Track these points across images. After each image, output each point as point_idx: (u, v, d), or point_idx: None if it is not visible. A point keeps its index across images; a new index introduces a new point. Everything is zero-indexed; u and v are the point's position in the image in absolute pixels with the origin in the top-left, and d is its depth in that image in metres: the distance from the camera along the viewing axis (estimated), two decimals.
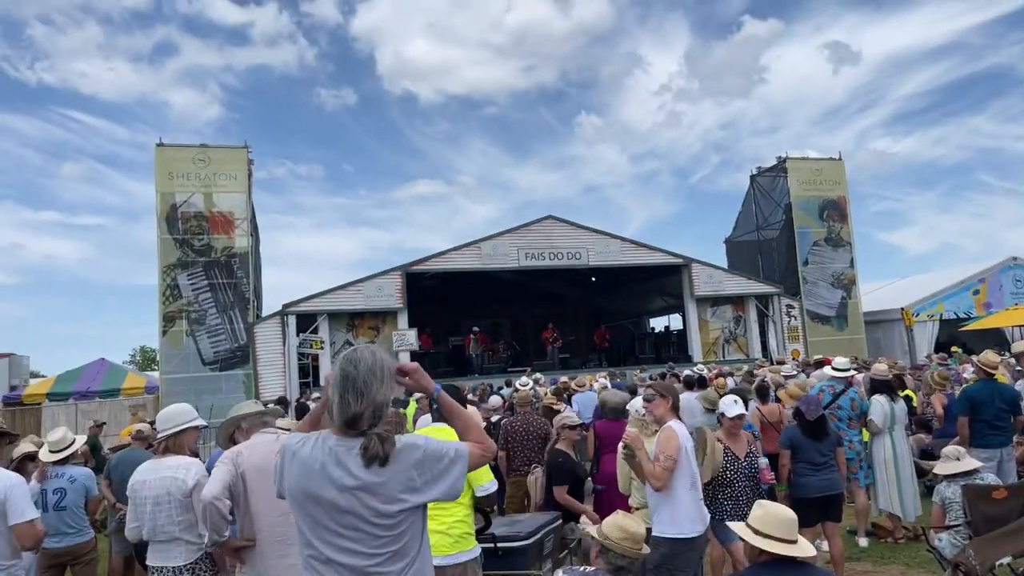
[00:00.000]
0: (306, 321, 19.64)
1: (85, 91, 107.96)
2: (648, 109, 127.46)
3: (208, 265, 19.25)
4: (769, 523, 2.97)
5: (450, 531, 3.95)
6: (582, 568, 3.24)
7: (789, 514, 3.01)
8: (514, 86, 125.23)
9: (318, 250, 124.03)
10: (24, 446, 6.00)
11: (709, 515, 4.31)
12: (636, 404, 5.20)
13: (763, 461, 4.09)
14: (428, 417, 4.81)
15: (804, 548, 2.90)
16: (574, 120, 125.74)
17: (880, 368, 7.59)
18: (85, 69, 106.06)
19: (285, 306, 19.66)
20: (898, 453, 7.01)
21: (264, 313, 20.39)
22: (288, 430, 3.88)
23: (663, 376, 14.39)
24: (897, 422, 7.11)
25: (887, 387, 7.22)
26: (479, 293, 24.93)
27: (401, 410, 6.87)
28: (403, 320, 20.29)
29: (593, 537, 3.18)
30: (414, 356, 20.20)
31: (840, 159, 25.00)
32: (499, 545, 4.36)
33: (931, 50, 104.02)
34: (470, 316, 24.41)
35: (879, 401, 7.10)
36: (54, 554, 5.07)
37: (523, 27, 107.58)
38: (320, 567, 2.10)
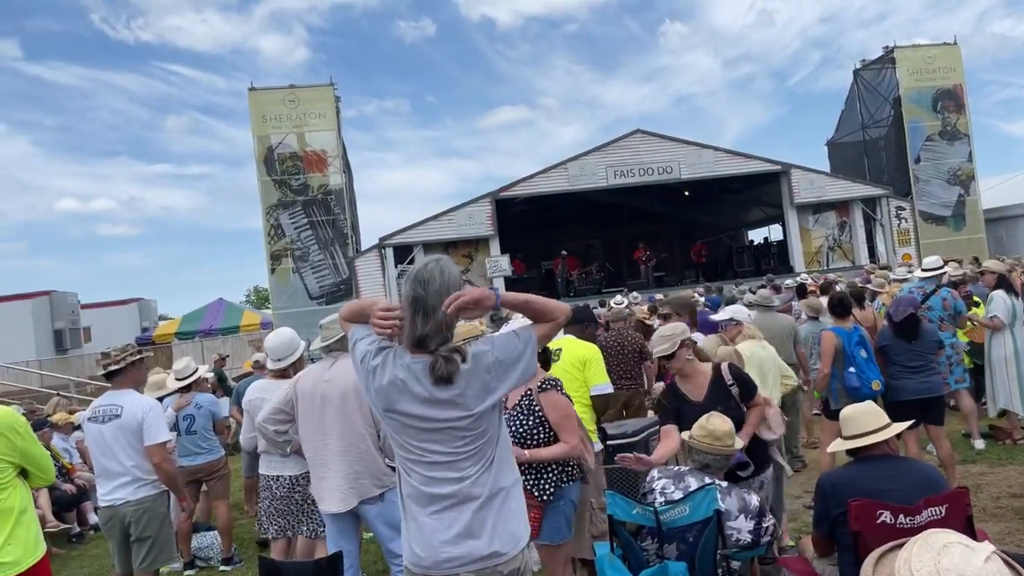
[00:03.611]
0: (403, 252, 20.18)
1: (181, 44, 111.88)
2: (738, 9, 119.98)
3: (307, 204, 19.97)
4: (853, 424, 2.96)
5: None
6: (676, 467, 3.30)
7: (868, 406, 3.04)
8: (594, 0, 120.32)
9: (410, 183, 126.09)
10: (158, 378, 6.57)
11: None
12: (732, 311, 5.13)
13: None
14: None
15: (892, 430, 2.92)
16: (659, 29, 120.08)
17: (991, 263, 7.14)
18: (179, 23, 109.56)
19: (382, 239, 20.23)
20: (1019, 349, 6.64)
21: (363, 247, 21.07)
22: None
23: (763, 287, 14.04)
24: (1018, 318, 6.71)
25: (1005, 282, 6.80)
26: (569, 215, 24.77)
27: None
28: (495, 247, 20.50)
29: (683, 440, 3.23)
30: (508, 281, 20.47)
31: (956, 44, 22.86)
32: (609, 443, 4.63)
33: None
34: (561, 239, 24.34)
35: (1001, 296, 6.70)
36: (190, 471, 5.59)
37: None
38: (412, 466, 2.25)
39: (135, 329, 26.95)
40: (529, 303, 2.32)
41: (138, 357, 4.16)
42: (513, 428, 3.32)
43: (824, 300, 7.46)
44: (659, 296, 14.27)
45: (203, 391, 6.47)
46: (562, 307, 2.34)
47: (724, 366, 3.85)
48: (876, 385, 5.27)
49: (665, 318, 4.83)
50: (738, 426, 3.56)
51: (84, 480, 7.44)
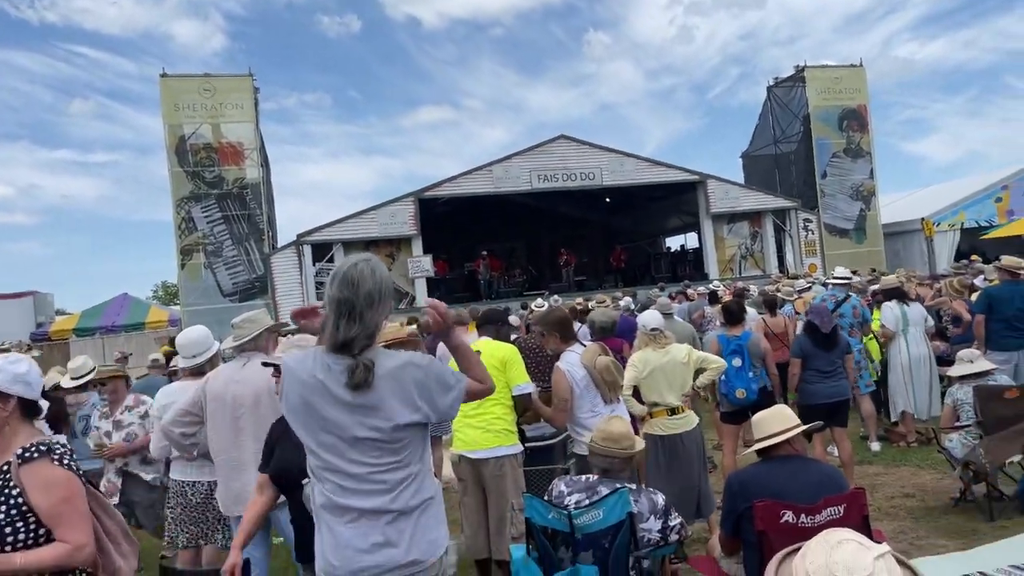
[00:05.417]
0: (322, 250, 19.71)
1: (88, 26, 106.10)
2: (659, 23, 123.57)
3: (221, 197, 19.23)
4: (761, 426, 3.07)
5: (489, 427, 4.20)
6: (583, 477, 3.30)
7: (778, 409, 3.16)
8: (520, 5, 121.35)
9: (332, 179, 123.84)
10: (52, 376, 6.18)
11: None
12: (644, 319, 5.18)
13: None
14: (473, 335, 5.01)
15: (794, 431, 3.04)
16: (583, 37, 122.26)
17: (888, 278, 7.61)
18: (87, 4, 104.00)
19: (300, 236, 19.69)
20: (912, 355, 7.02)
21: (280, 243, 20.46)
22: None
23: (681, 293, 14.42)
24: (911, 324, 7.09)
25: (898, 293, 7.22)
26: (493, 218, 24.79)
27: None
28: (418, 247, 20.29)
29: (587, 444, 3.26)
30: (429, 282, 20.30)
31: (861, 66, 24.16)
32: (528, 445, 4.65)
33: None
34: (485, 241, 24.32)
35: (888, 306, 7.12)
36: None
37: None
38: (325, 474, 2.17)
39: (29, 324, 25.29)
40: (466, 353, 2.35)
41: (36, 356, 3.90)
42: None
43: None
44: (578, 299, 14.46)
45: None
46: (491, 380, 2.38)
47: None
48: (741, 393, 5.48)
49: (542, 335, 4.93)
50: None
51: None
